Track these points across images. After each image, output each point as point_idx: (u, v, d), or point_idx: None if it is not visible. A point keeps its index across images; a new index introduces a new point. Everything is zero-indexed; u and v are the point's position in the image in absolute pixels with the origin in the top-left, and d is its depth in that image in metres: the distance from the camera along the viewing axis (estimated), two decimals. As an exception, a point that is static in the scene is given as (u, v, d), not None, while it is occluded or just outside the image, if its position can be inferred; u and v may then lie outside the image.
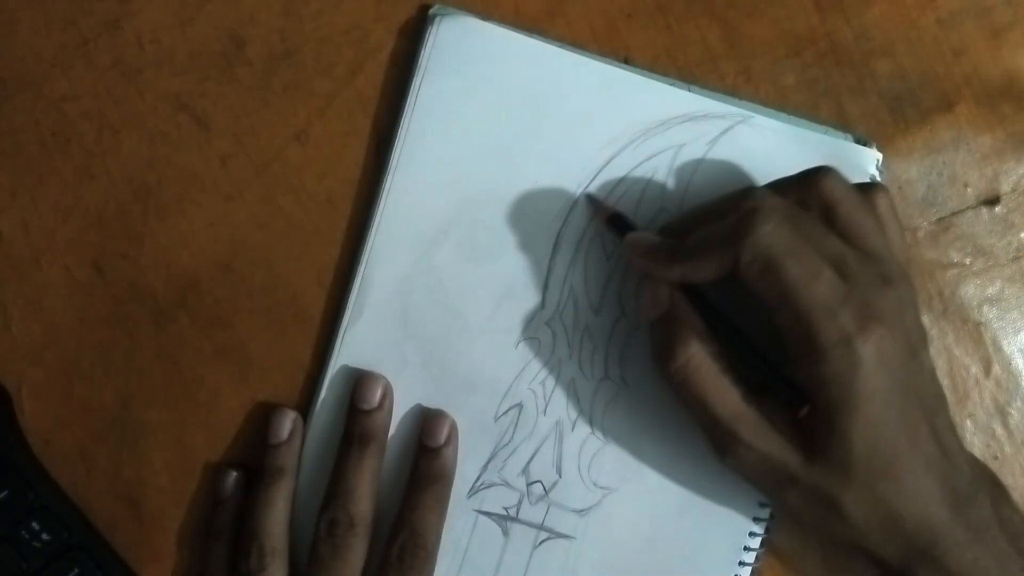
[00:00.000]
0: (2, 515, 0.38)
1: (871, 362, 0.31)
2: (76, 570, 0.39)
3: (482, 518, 0.39)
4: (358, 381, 0.39)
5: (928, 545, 0.33)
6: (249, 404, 0.40)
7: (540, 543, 0.39)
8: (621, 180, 0.39)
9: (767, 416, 0.33)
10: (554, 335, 0.39)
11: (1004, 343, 0.41)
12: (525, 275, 0.39)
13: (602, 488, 0.39)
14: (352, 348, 0.39)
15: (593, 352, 0.39)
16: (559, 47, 0.39)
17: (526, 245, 0.39)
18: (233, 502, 0.39)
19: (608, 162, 0.39)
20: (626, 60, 0.40)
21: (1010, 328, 0.41)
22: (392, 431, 0.39)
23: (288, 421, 0.39)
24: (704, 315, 0.35)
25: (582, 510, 0.39)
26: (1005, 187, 0.41)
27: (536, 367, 0.39)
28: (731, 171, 0.39)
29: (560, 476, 0.39)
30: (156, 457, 0.40)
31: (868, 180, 0.39)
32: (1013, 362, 0.41)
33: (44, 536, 0.39)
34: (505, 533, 0.39)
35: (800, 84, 0.40)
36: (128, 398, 0.40)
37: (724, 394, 0.34)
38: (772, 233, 0.32)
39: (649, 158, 0.39)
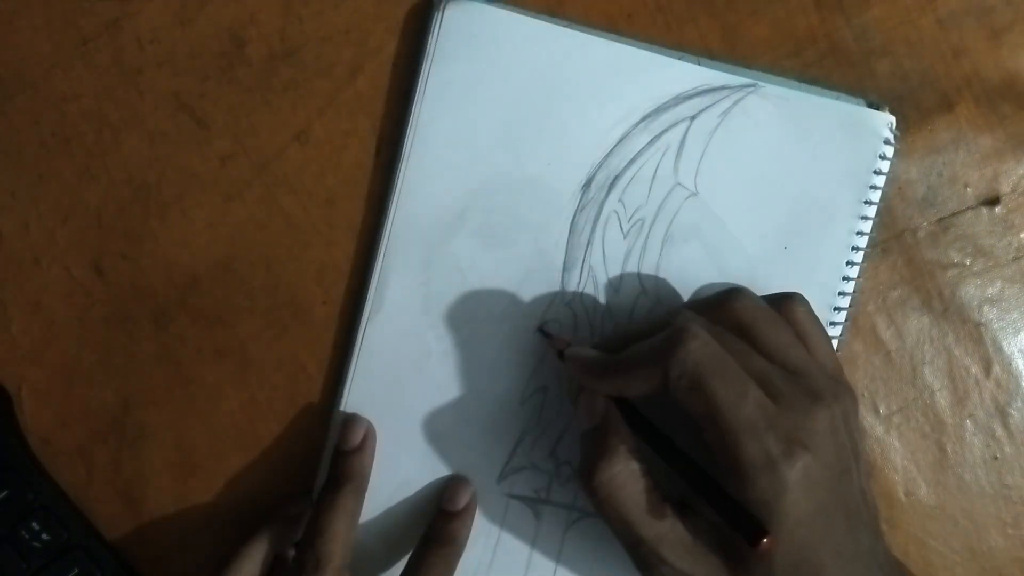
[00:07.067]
0: (2, 515, 0.38)
1: (796, 488, 0.31)
2: (76, 570, 0.39)
3: (513, 502, 0.39)
4: (343, 423, 0.39)
5: None
6: (249, 404, 0.40)
7: (573, 523, 0.39)
8: (635, 157, 0.39)
9: (692, 534, 0.33)
10: (575, 316, 0.39)
11: (1004, 343, 0.41)
12: (543, 258, 0.39)
13: None
14: (374, 339, 0.39)
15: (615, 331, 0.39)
16: (567, 27, 0.39)
17: (542, 228, 0.39)
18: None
19: (621, 140, 0.39)
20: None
21: (1010, 328, 0.41)
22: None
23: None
24: (638, 429, 0.34)
25: None
26: (1005, 187, 0.41)
27: None
28: (743, 142, 0.39)
29: None
30: (156, 457, 0.40)
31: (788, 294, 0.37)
32: (1013, 362, 0.41)
33: (44, 536, 0.39)
34: (537, 516, 0.39)
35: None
36: (128, 398, 0.40)
37: (647, 514, 0.33)
38: (699, 350, 0.32)
39: (661, 133, 0.39)
